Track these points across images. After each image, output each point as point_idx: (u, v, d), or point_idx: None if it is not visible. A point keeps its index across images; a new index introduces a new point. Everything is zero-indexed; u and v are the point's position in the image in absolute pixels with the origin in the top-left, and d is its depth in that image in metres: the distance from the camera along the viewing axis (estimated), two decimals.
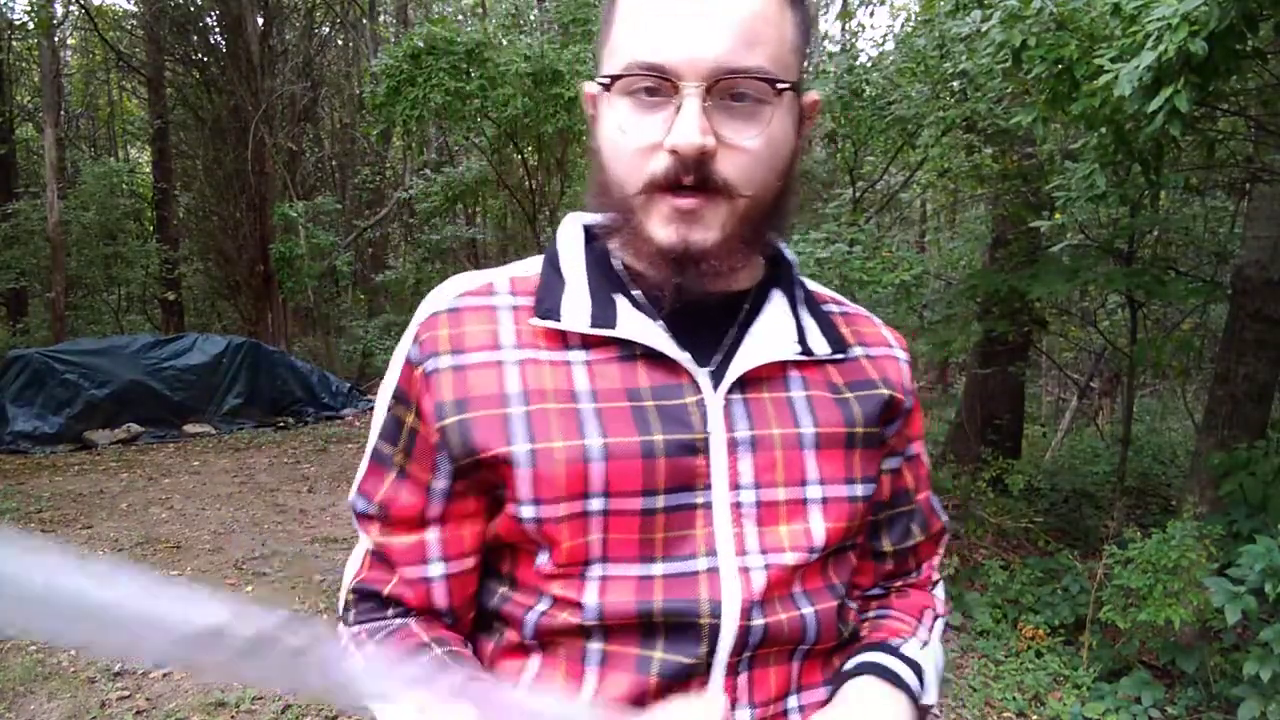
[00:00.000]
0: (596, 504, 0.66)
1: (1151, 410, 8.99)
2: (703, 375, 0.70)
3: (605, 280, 0.73)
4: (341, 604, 0.77)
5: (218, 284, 13.64)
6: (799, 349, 0.73)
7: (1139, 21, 2.46)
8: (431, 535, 0.71)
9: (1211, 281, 4.70)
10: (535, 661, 0.70)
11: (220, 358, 9.30)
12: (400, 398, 0.72)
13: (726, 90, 0.64)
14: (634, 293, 0.72)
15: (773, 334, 0.73)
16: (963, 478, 5.07)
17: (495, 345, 0.70)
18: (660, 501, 0.67)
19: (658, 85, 0.65)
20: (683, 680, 0.66)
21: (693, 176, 0.64)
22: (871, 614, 0.83)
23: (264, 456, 8.10)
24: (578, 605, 0.67)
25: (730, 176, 0.65)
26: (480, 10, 14.19)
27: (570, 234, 0.77)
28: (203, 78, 13.17)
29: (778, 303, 0.75)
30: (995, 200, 6.00)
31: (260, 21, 12.45)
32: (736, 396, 0.70)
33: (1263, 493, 3.57)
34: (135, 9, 14.65)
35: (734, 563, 0.67)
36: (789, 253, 0.79)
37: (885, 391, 0.76)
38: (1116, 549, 3.50)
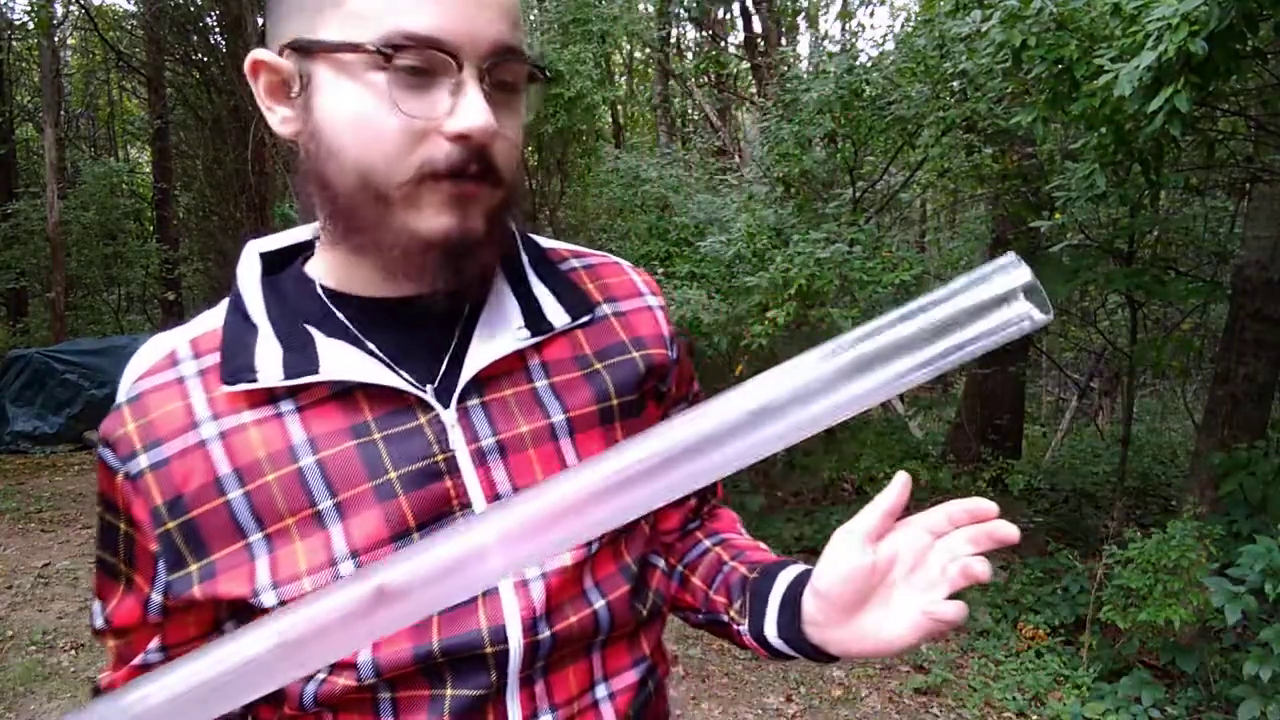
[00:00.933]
0: (347, 567, 0.60)
1: (1151, 410, 8.99)
2: (429, 391, 0.64)
3: (296, 314, 0.65)
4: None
5: (218, 284, 13.63)
6: (528, 333, 0.66)
7: (1139, 21, 2.46)
8: (153, 639, 0.67)
9: (1211, 281, 4.70)
10: None
11: None
12: (107, 504, 0.66)
13: (496, 74, 0.59)
14: (336, 316, 0.65)
15: (499, 325, 0.66)
16: (963, 478, 5.07)
17: (192, 424, 0.62)
18: (418, 539, 0.60)
19: (431, 63, 0.56)
20: (479, 708, 0.63)
21: (476, 165, 0.59)
22: (709, 542, 0.82)
23: None
24: (352, 666, 0.61)
25: (502, 165, 0.61)
26: None
27: (248, 268, 0.68)
28: (203, 78, 13.17)
29: (500, 288, 0.68)
30: (995, 200, 6.00)
31: (260, 21, 12.46)
32: (474, 403, 0.64)
33: (1263, 493, 3.57)
34: (135, 9, 14.65)
35: (509, 578, 0.63)
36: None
37: (640, 355, 0.71)
38: (1116, 549, 3.50)
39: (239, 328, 0.65)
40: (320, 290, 0.66)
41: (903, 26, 7.27)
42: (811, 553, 4.93)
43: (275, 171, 12.59)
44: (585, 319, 0.70)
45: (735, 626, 0.75)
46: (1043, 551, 4.89)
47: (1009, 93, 4.13)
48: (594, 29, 8.10)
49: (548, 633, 0.63)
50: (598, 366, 0.69)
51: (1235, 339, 3.96)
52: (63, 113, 15.37)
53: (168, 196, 14.02)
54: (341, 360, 0.62)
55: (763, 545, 0.82)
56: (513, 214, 0.65)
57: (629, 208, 6.83)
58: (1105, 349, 6.86)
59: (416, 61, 0.56)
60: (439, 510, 0.62)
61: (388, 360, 0.64)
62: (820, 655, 0.69)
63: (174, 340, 0.67)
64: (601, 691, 0.68)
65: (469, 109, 0.57)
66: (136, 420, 0.63)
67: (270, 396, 0.62)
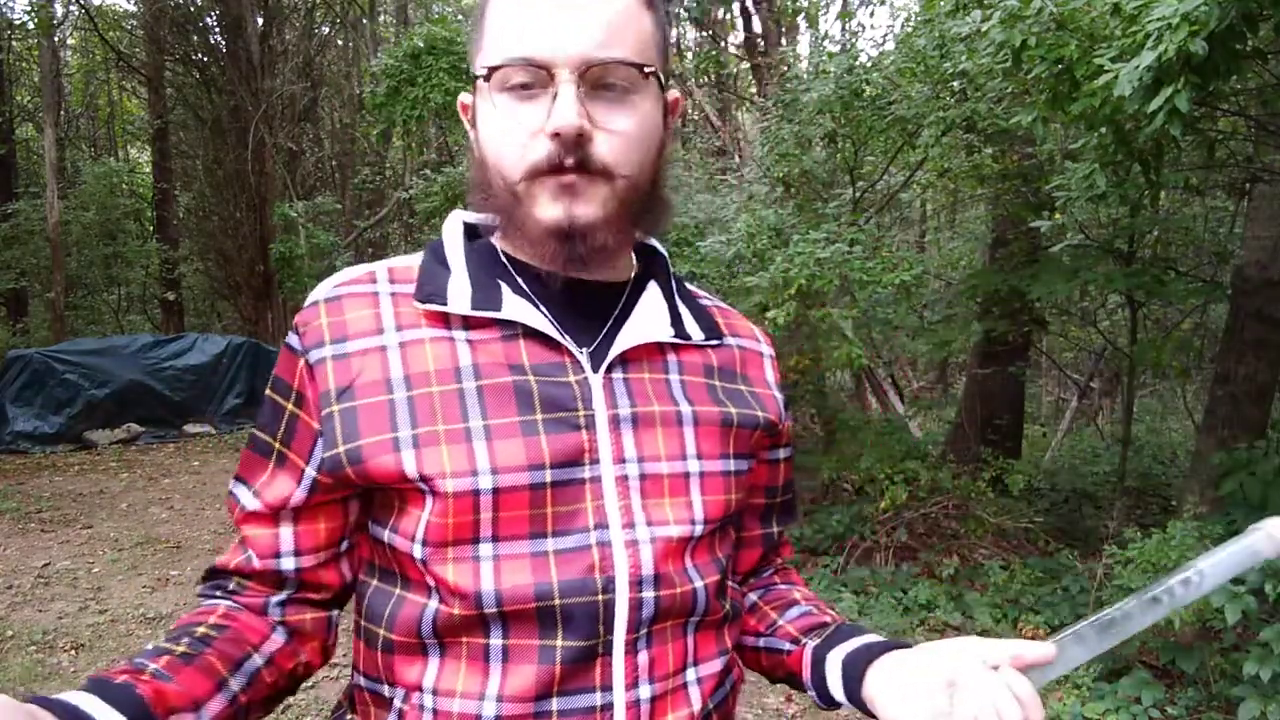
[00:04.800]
0: (486, 482, 0.67)
1: (1151, 410, 8.99)
2: (583, 355, 0.73)
3: (488, 269, 0.76)
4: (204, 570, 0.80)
5: (218, 284, 13.63)
6: (673, 332, 0.78)
7: (1139, 21, 2.46)
8: (286, 531, 0.74)
9: (1211, 281, 4.70)
10: (434, 663, 0.70)
11: (220, 358, 9.30)
12: (279, 387, 0.74)
13: (597, 79, 0.68)
14: (517, 280, 0.76)
15: (649, 318, 0.77)
16: (963, 478, 5.06)
17: (378, 330, 0.72)
18: (548, 476, 0.68)
19: (533, 78, 0.68)
20: (587, 663, 0.68)
21: (572, 158, 0.68)
22: (783, 586, 0.91)
23: None
24: (474, 595, 0.67)
25: (607, 158, 0.69)
26: None
27: (453, 228, 0.80)
28: (203, 78, 13.16)
29: (653, 291, 0.80)
30: (995, 200, 5.99)
31: (260, 21, 12.45)
32: (618, 376, 0.74)
33: (1263, 493, 3.56)
34: (135, 9, 14.65)
35: (622, 535, 0.70)
36: (660, 247, 0.85)
37: (757, 389, 0.83)
38: (1116, 549, 3.50)
39: (434, 268, 0.76)
40: (504, 258, 0.78)
41: (903, 26, 7.27)
42: (809, 551, 4.92)
43: (275, 171, 12.58)
44: (715, 342, 0.82)
45: (798, 650, 0.82)
46: (1043, 551, 4.89)
47: (1009, 93, 4.12)
48: None
49: (652, 594, 0.70)
50: (718, 384, 0.80)
51: (1235, 339, 3.96)
52: (63, 113, 15.36)
53: (168, 196, 14.01)
54: (519, 308, 0.73)
55: (831, 608, 0.90)
56: (642, 206, 0.74)
57: None
58: (1105, 349, 6.86)
59: (522, 78, 0.68)
60: (572, 457, 0.69)
61: (554, 321, 0.74)
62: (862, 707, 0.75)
63: (370, 266, 0.78)
64: (692, 675, 0.74)
65: (558, 110, 0.67)
66: (330, 317, 0.73)
67: (448, 324, 0.73)
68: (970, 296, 5.42)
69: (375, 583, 0.74)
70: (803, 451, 5.65)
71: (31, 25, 12.15)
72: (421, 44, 7.06)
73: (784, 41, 10.40)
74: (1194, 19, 2.27)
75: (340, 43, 16.49)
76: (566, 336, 0.74)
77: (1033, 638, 3.84)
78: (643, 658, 0.70)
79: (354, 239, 13.89)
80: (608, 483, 0.70)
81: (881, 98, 4.93)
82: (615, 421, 0.72)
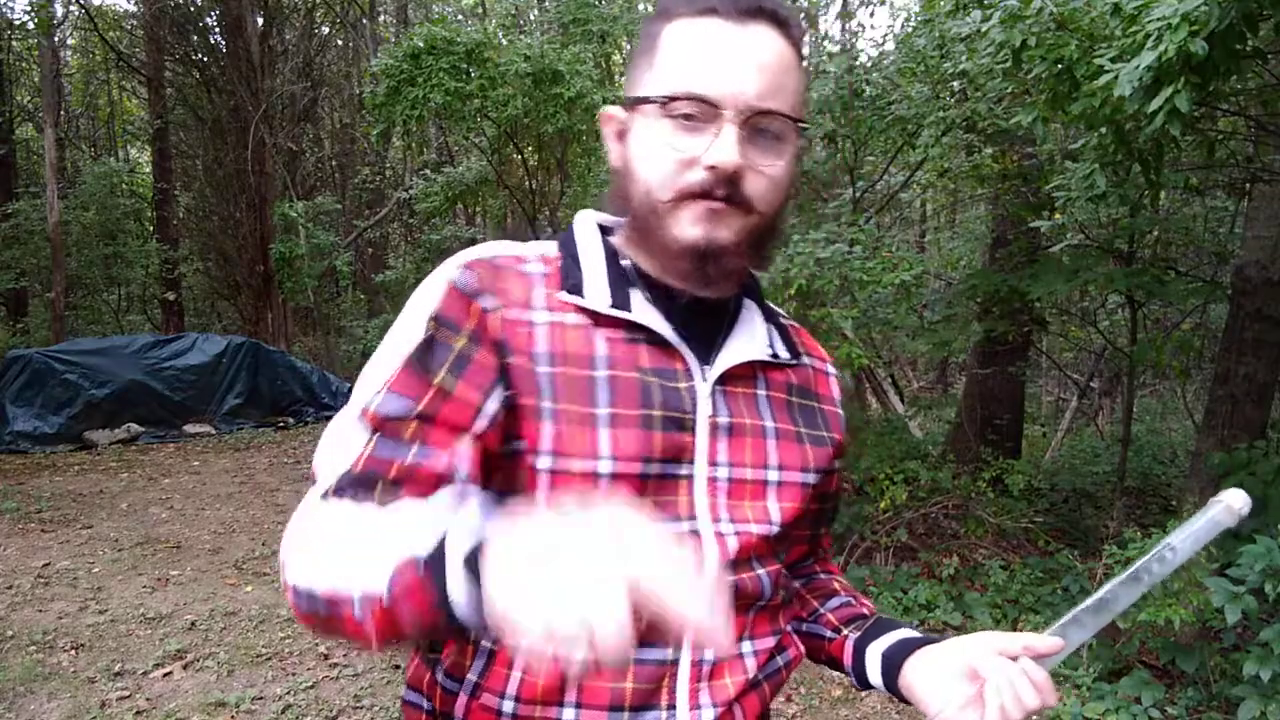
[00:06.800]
0: (605, 466, 0.75)
1: (1151, 410, 8.99)
2: (696, 365, 0.81)
3: (619, 273, 0.83)
4: (324, 487, 0.71)
5: (218, 284, 13.63)
6: (770, 353, 0.87)
7: (1139, 21, 2.46)
8: (464, 446, 0.72)
9: (1211, 281, 4.70)
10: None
11: (220, 358, 9.30)
12: (448, 323, 0.75)
13: (756, 125, 0.76)
14: (642, 289, 0.83)
15: (750, 338, 0.86)
16: (963, 478, 5.06)
17: (529, 305, 0.78)
18: (654, 469, 0.77)
19: (700, 112, 0.75)
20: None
21: (724, 190, 0.75)
22: (824, 575, 1.03)
23: (264, 456, 8.10)
24: None
25: (751, 195, 0.77)
26: (480, 10, 14.18)
27: (587, 229, 0.87)
28: (203, 78, 13.16)
29: (753, 311, 0.89)
30: (995, 200, 6.00)
31: (260, 21, 12.45)
32: (719, 388, 0.82)
33: (1263, 493, 3.56)
34: (135, 9, 14.65)
35: (710, 528, 0.79)
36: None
37: (826, 407, 0.93)
38: (1116, 549, 3.50)
39: (569, 264, 0.83)
40: (630, 265, 0.84)
41: (903, 26, 7.27)
42: None
43: (275, 172, 12.58)
44: (795, 361, 0.91)
45: (840, 639, 0.96)
46: (1043, 551, 4.89)
47: (1009, 93, 4.12)
48: (594, 29, 8.11)
49: (732, 579, 0.80)
50: (796, 401, 0.90)
51: (1235, 339, 3.96)
52: (63, 113, 15.37)
53: (168, 196, 14.01)
54: (647, 313, 0.80)
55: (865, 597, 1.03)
56: (767, 239, 0.81)
57: None
58: (1105, 349, 6.86)
59: (690, 110, 0.75)
60: (674, 454, 0.78)
61: (675, 331, 0.82)
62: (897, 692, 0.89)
63: (520, 247, 0.84)
64: (748, 648, 0.84)
65: (720, 147, 0.74)
66: (493, 276, 0.78)
67: (582, 316, 0.79)
68: (970, 296, 5.42)
69: None
70: None
71: (31, 25, 12.15)
72: (421, 44, 7.06)
73: None
74: (1194, 19, 2.27)
75: (340, 43, 16.50)
76: (684, 346, 0.81)
77: None
78: None
79: (354, 239, 13.90)
80: (699, 482, 0.79)
81: (881, 98, 4.93)
82: (714, 429, 0.81)
